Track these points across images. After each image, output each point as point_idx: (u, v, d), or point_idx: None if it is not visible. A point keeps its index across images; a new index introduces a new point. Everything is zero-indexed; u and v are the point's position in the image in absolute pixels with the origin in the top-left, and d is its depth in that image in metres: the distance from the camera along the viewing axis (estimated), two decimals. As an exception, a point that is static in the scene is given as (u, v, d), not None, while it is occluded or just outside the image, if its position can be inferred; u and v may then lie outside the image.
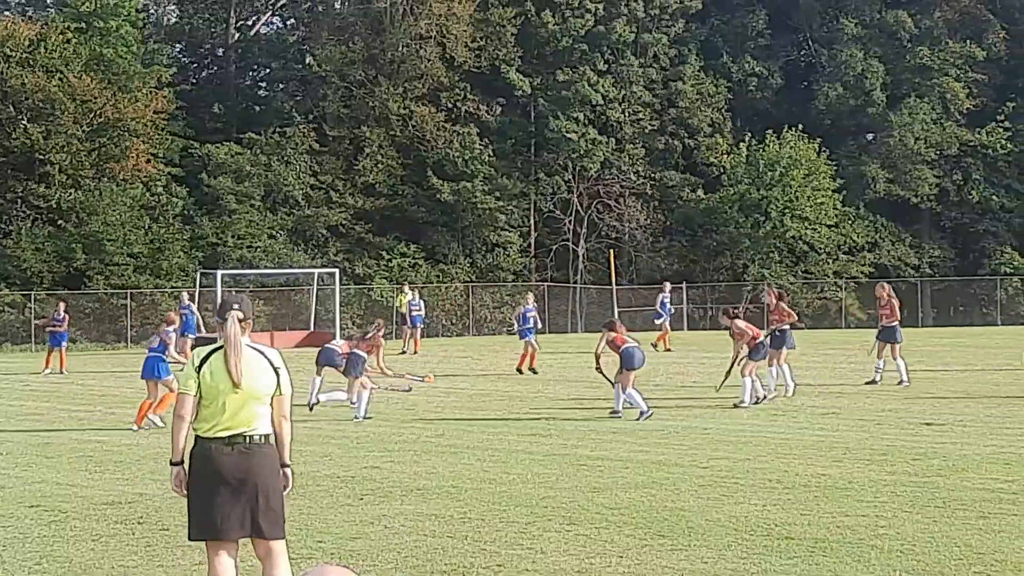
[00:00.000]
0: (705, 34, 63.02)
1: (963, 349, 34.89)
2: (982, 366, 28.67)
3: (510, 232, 57.09)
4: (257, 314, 47.08)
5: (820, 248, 58.91)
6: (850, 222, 60.05)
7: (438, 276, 54.47)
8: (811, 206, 57.28)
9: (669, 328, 36.56)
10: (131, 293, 47.43)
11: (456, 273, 54.67)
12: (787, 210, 57.00)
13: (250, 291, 50.07)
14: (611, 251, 54.67)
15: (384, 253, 54.70)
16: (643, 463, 13.95)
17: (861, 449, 14.84)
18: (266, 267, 51.19)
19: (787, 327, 21.91)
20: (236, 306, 7.24)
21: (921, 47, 62.52)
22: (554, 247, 58.75)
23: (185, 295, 34.85)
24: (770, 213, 57.21)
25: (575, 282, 56.79)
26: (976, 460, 13.82)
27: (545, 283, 55.19)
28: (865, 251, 60.66)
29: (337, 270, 46.76)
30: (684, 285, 55.23)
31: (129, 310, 46.96)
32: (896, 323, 23.61)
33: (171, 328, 19.38)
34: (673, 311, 38.45)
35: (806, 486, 12.12)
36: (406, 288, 38.86)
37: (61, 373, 30.78)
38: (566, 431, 17.44)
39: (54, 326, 31.99)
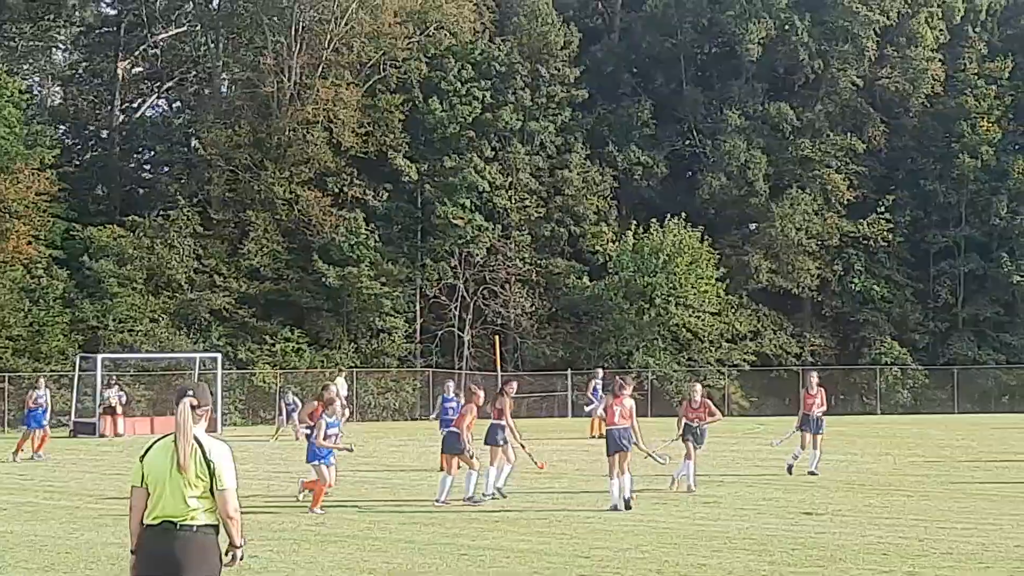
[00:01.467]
0: (591, 123, 64.13)
1: (843, 438, 35.54)
2: (861, 455, 29.25)
3: (395, 317, 57.05)
4: (137, 398, 46.31)
5: (704, 336, 59.80)
6: (733, 310, 61.14)
7: (322, 361, 54.14)
8: (695, 294, 58.26)
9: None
10: (8, 376, 46.45)
11: (340, 358, 54.40)
12: (671, 298, 57.86)
13: (131, 375, 49.50)
14: (496, 337, 54.88)
15: (268, 338, 54.27)
16: (524, 553, 14.01)
17: (741, 538, 15.06)
18: (147, 351, 50.48)
19: (705, 425, 21.59)
20: (190, 393, 7.46)
21: (803, 139, 64.32)
22: (440, 333, 58.83)
23: (42, 381, 33.62)
24: (654, 300, 58.01)
25: (460, 368, 56.86)
26: (854, 550, 14.09)
27: (430, 369, 55.21)
28: (748, 339, 61.70)
29: (219, 355, 46.29)
30: (569, 372, 55.72)
31: (6, 393, 45.95)
32: (822, 412, 24.04)
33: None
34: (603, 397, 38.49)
35: None
36: (341, 379, 37.91)
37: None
38: (448, 520, 17.44)
39: None
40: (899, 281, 64.75)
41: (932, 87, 65.85)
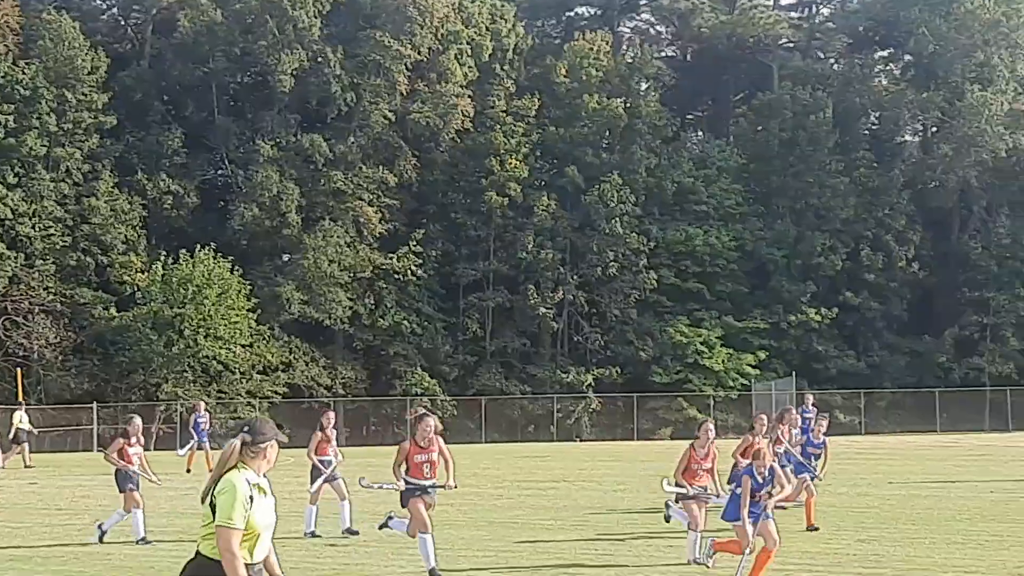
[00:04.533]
0: (120, 150, 70.99)
1: (373, 468, 42.89)
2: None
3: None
4: None
5: (234, 367, 67.68)
6: (265, 342, 69.46)
7: None
8: (225, 325, 66.00)
9: (208, 449, 41.16)
10: None
11: None
12: (201, 329, 65.43)
13: None
14: (19, 369, 60.61)
15: None
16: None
17: None
18: None
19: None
20: (246, 429, 8.39)
21: (336, 171, 73.27)
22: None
23: None
24: (184, 332, 65.40)
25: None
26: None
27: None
28: (279, 371, 70.11)
29: None
30: (95, 405, 62.25)
31: None
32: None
33: None
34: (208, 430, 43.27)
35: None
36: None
37: None
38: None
39: None
40: (429, 314, 75.02)
41: (462, 122, 76.40)
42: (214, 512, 8.06)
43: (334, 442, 23.09)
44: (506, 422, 74.32)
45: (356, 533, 21.81)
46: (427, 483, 17.13)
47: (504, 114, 77.70)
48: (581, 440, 70.49)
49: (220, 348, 66.32)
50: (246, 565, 8.04)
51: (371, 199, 74.08)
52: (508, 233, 76.91)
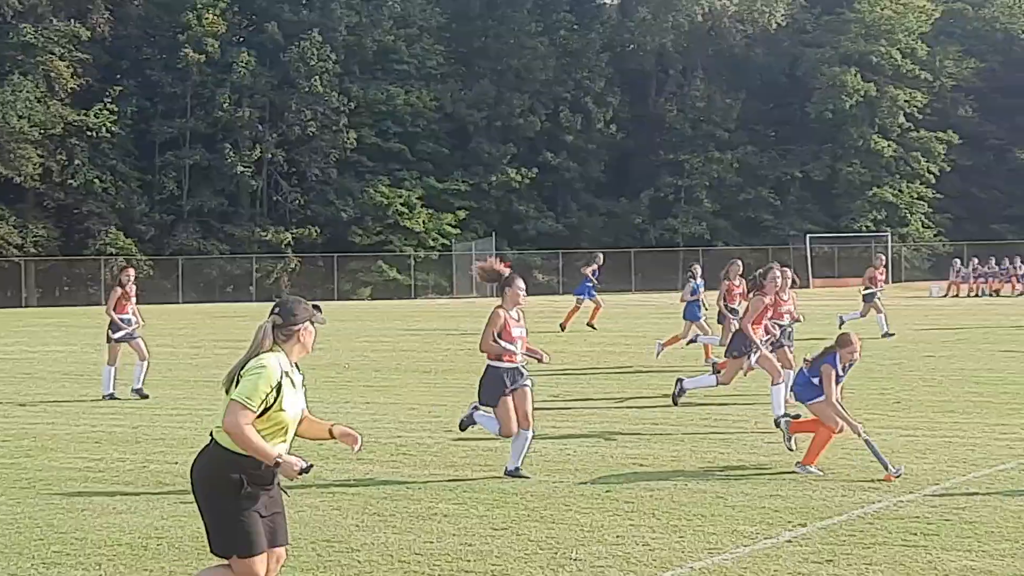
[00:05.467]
0: None
1: (66, 328, 43.75)
2: (80, 346, 34.41)
3: None
4: None
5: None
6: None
7: None
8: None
9: None
10: None
11: None
12: None
13: None
14: None
15: None
16: None
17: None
18: None
19: None
20: (277, 310, 7.79)
21: (25, 24, 73.12)
22: None
23: None
24: None
25: None
26: (66, 440, 16.68)
27: None
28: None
29: None
30: None
31: None
32: None
33: None
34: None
35: None
36: None
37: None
38: None
39: None
40: (124, 172, 76.32)
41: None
42: (232, 388, 7.58)
43: (134, 300, 22.68)
44: (204, 282, 76.52)
45: (146, 397, 21.69)
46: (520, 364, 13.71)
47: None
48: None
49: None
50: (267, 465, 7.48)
51: (62, 53, 74.28)
52: (206, 90, 78.39)
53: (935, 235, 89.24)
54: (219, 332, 41.66)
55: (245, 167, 77.30)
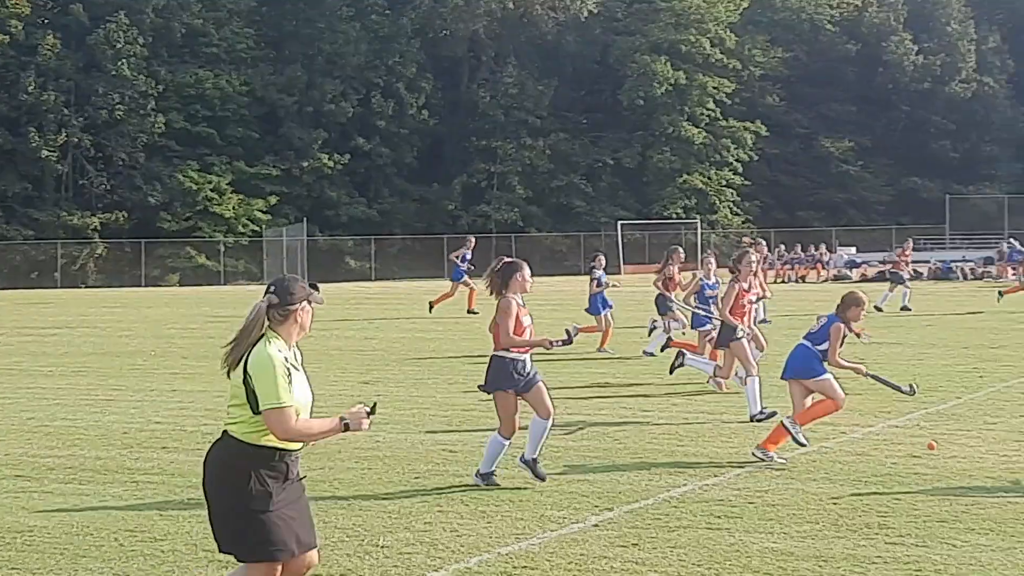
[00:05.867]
0: None
1: None
2: None
3: None
4: None
5: None
6: None
7: None
8: None
9: None
10: None
11: None
12: None
13: None
14: None
15: None
16: None
17: None
18: None
19: None
20: (272, 289, 7.42)
21: None
22: None
23: None
24: None
25: None
26: None
27: None
28: None
29: None
30: None
31: None
32: None
33: None
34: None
35: None
36: None
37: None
38: None
39: None
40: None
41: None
42: (251, 395, 7.14)
43: None
44: (8, 268, 75.93)
45: None
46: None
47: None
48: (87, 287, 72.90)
49: None
50: (284, 451, 7.26)
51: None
52: (10, 73, 77.88)
53: (743, 222, 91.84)
54: (22, 319, 41.54)
55: (50, 151, 76.92)
